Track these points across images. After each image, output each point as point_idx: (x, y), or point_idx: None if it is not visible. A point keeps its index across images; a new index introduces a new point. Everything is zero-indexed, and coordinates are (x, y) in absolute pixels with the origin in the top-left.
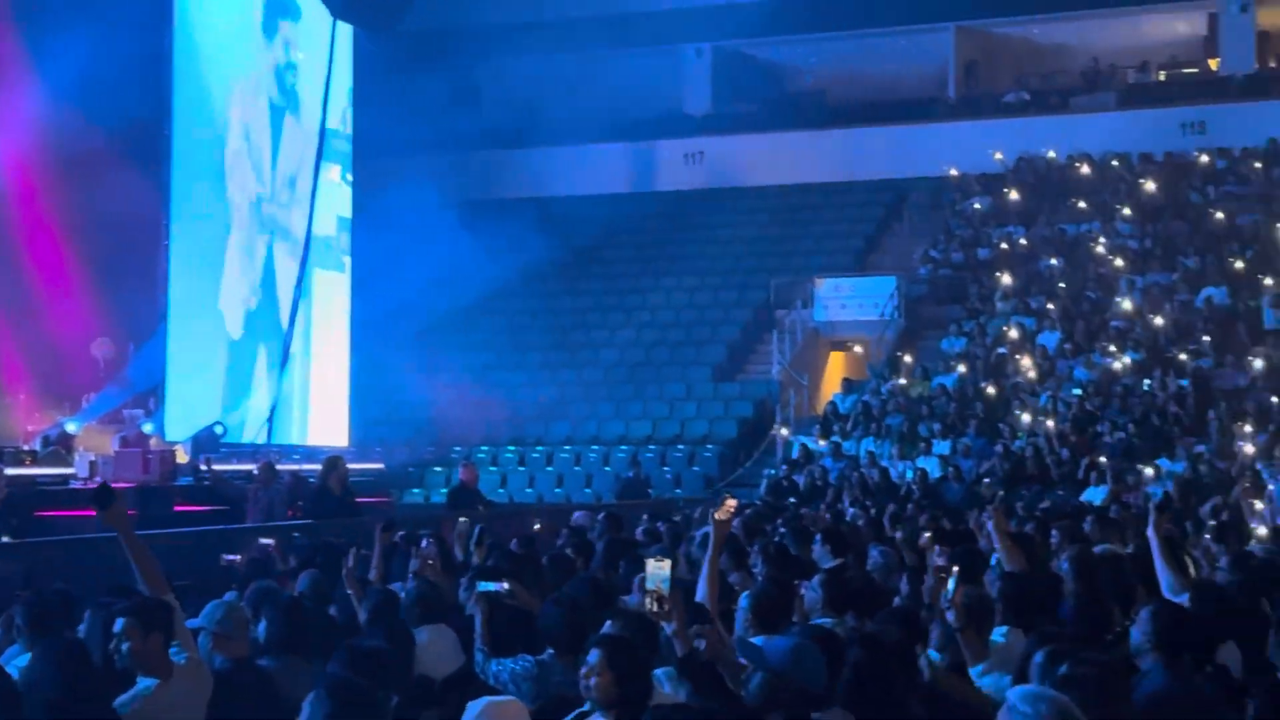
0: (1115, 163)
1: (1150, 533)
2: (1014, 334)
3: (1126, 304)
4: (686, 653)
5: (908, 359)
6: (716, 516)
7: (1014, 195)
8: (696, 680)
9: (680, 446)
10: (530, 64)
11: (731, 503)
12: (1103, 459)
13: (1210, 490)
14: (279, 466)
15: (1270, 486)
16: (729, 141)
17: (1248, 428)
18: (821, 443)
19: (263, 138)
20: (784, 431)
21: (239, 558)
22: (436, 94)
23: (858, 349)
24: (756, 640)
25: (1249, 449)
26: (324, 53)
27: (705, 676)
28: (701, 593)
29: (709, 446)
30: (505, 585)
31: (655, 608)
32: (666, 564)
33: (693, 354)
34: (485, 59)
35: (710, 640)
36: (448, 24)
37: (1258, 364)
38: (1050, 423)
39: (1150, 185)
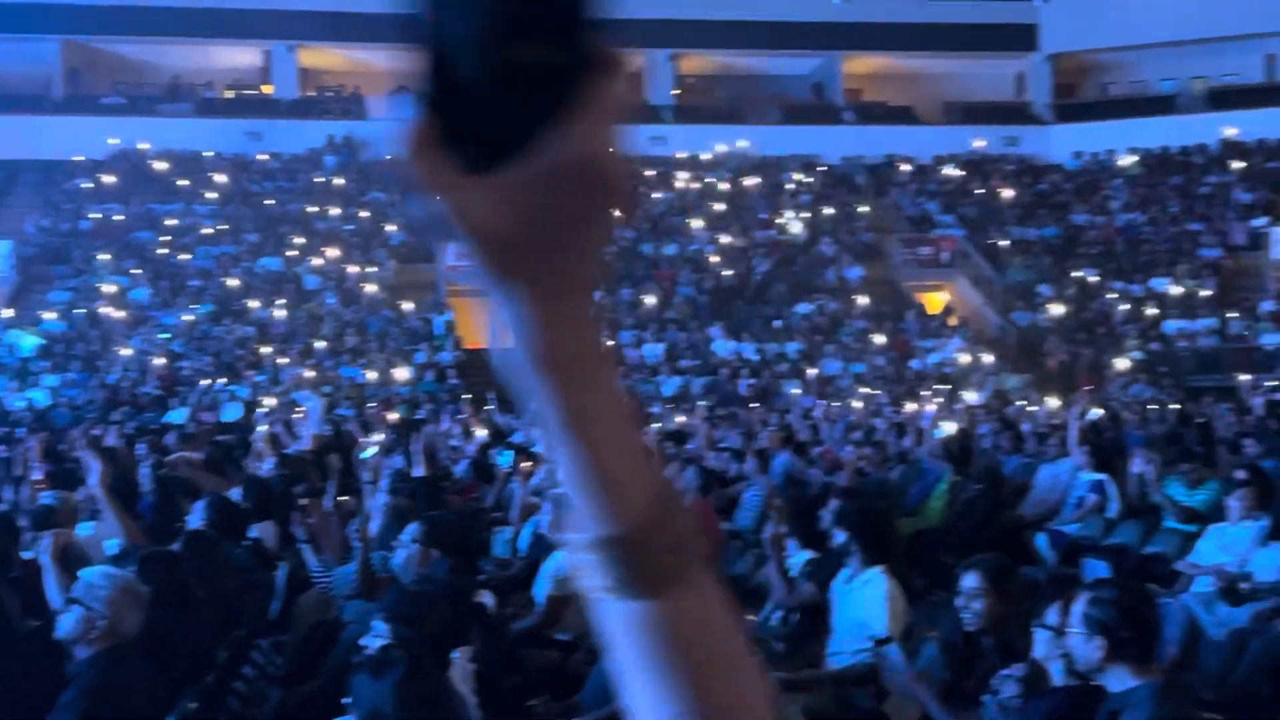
0: (195, 158)
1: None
2: (112, 290)
3: (202, 266)
4: None
5: (20, 309)
6: None
7: (112, 179)
8: None
9: None
10: None
11: None
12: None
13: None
14: None
15: (307, 405)
16: None
17: (286, 361)
18: None
19: None
20: None
21: None
22: None
23: None
24: None
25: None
26: None
27: None
28: None
29: None
30: None
31: None
32: None
33: None
34: None
35: None
36: None
37: (282, 315)
38: (143, 360)
39: (221, 177)
